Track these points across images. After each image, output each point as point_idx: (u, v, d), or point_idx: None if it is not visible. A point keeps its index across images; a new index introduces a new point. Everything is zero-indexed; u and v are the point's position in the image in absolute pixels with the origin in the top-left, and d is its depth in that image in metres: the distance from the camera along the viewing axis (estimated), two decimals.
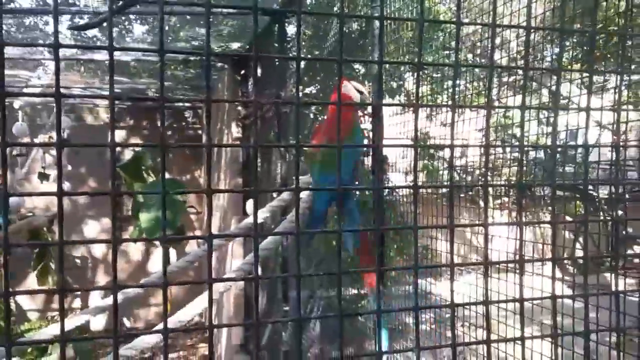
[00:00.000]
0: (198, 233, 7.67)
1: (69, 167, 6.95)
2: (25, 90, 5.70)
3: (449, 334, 3.22)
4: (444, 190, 3.83)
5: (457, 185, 3.16)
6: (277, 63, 3.94)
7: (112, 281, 0.54)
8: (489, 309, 0.65)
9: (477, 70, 3.39)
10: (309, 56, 4.64)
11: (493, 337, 0.73)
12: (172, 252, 7.44)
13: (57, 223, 0.55)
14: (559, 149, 2.86)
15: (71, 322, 2.61)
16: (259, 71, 4.11)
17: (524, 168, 3.45)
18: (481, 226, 0.64)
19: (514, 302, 0.69)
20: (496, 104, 4.03)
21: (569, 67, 3.34)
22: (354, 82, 2.37)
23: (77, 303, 7.61)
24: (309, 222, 2.43)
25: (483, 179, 3.32)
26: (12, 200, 5.92)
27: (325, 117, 2.58)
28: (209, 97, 0.55)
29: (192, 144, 7.40)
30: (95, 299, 7.11)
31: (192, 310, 2.10)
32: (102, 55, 4.70)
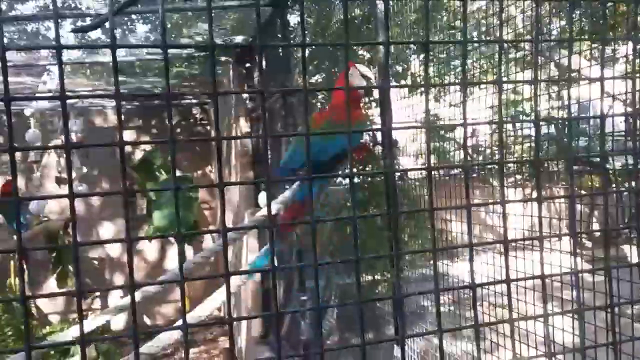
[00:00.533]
0: (212, 228, 7.70)
1: (84, 170, 7.00)
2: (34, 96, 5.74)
3: (467, 314, 3.22)
4: (455, 171, 3.80)
5: (472, 164, 3.14)
6: (281, 54, 3.93)
7: (129, 280, 0.54)
8: (510, 288, 0.64)
9: (483, 48, 3.35)
10: (314, 43, 4.62)
11: (514, 315, 0.72)
12: (188, 249, 7.48)
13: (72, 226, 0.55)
14: (571, 123, 2.83)
15: (92, 323, 2.64)
16: (263, 63, 4.10)
17: (533, 145, 3.42)
18: (498, 204, 0.63)
19: (534, 279, 0.69)
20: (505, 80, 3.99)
21: (579, 40, 3.29)
22: (361, 65, 2.32)
23: (97, 304, 7.69)
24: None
25: (498, 157, 3.30)
26: (32, 206, 5.98)
27: (329, 105, 2.54)
28: (215, 89, 0.54)
29: (201, 138, 7.42)
30: (115, 298, 7.19)
31: (211, 304, 2.11)
32: (107, 57, 4.71)
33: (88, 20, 4.25)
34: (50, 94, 5.07)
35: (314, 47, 4.68)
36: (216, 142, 0.53)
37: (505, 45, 3.80)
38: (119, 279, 7.74)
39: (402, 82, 4.86)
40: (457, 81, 3.65)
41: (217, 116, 0.55)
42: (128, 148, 7.05)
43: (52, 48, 0.47)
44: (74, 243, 0.50)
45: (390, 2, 3.04)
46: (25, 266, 6.91)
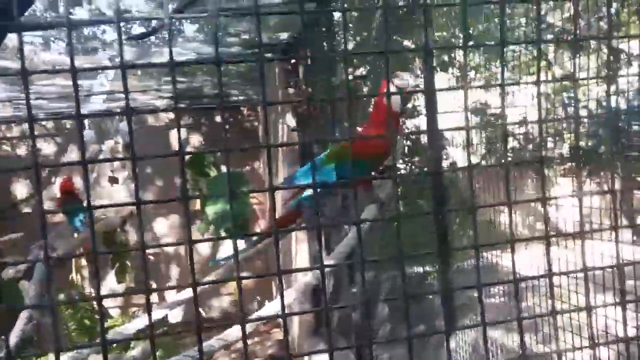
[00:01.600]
0: (262, 222, 7.81)
1: (136, 169, 7.22)
2: (89, 98, 5.96)
3: (523, 305, 3.18)
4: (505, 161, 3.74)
5: (512, 162, 3.09)
6: (325, 49, 3.96)
7: (190, 279, 0.59)
8: (552, 281, 0.66)
9: (533, 35, 3.28)
10: (352, 42, 4.60)
11: (565, 307, 0.73)
12: (240, 243, 7.62)
13: (129, 224, 0.60)
14: (625, 110, 2.75)
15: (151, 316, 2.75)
16: (308, 59, 4.14)
17: (588, 131, 3.33)
18: (539, 201, 0.64)
19: (576, 272, 0.70)
20: (555, 68, 3.89)
21: (630, 21, 3.19)
22: (399, 76, 2.27)
23: (154, 298, 7.95)
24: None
25: (544, 146, 3.25)
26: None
27: (365, 124, 2.49)
28: (265, 99, 0.58)
29: (252, 145, 7.52)
30: (171, 292, 7.39)
31: (272, 308, 2.17)
32: (157, 59, 4.84)
33: (137, 24, 4.40)
34: (100, 103, 5.23)
35: (357, 39, 4.69)
36: (267, 149, 0.56)
37: (557, 29, 3.71)
38: (174, 272, 7.97)
39: (450, 70, 4.80)
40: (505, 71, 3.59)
41: (266, 125, 0.58)
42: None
43: (117, 68, 0.52)
44: (142, 246, 0.55)
45: None
46: (86, 263, 7.22)
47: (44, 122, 7.43)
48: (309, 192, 2.48)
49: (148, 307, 0.57)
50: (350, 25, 4.49)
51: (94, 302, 6.95)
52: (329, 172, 2.36)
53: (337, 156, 2.38)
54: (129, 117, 0.55)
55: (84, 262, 7.21)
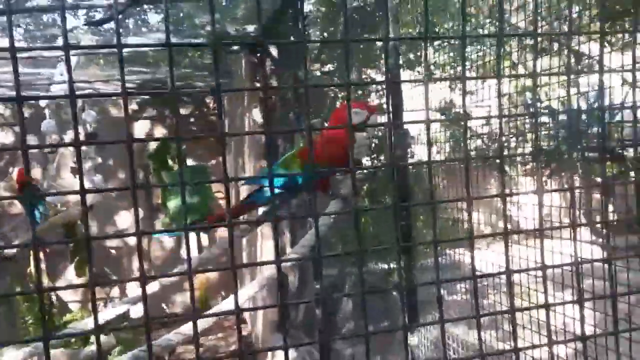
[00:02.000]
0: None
1: (99, 160, 7.08)
2: (50, 87, 5.79)
3: (485, 302, 3.23)
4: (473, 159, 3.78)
5: (472, 157, 3.12)
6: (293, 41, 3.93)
7: (140, 272, 0.56)
8: (511, 279, 0.65)
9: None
10: (319, 37, 4.59)
11: (525, 304, 0.73)
12: (204, 237, 7.55)
13: (90, 216, 0.57)
14: (585, 111, 2.80)
15: (112, 312, 2.69)
16: (275, 52, 4.11)
17: (550, 132, 3.39)
18: (499, 197, 0.64)
19: (536, 270, 0.69)
20: (520, 67, 3.94)
21: (588, 26, 3.25)
22: (357, 104, 2.30)
23: (115, 292, 7.80)
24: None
25: (506, 145, 3.29)
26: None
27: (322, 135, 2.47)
28: (219, 87, 0.56)
29: (206, 135, 7.44)
30: (134, 287, 7.29)
31: (230, 303, 2.13)
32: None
33: (100, 11, 4.29)
34: (62, 93, 5.08)
35: (326, 35, 4.67)
36: (221, 139, 0.54)
37: (520, 30, 3.76)
38: (137, 267, 7.85)
39: (416, 68, 4.83)
40: (470, 70, 3.63)
41: (220, 112, 0.56)
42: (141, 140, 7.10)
43: (59, 49, 0.49)
44: (87, 236, 0.52)
45: None
46: (43, 256, 7.04)
47: (1, 111, 7.22)
48: (267, 193, 2.48)
49: (92, 299, 0.54)
50: (318, 20, 4.48)
51: (52, 295, 6.79)
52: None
53: (289, 164, 2.40)
54: (72, 102, 0.52)
55: (42, 255, 7.03)
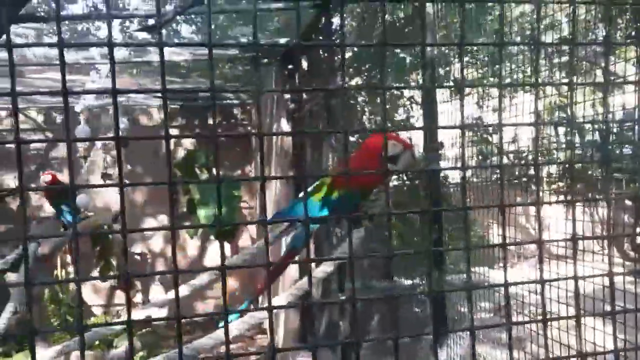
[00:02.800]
0: (251, 227, 7.78)
1: (128, 167, 7.20)
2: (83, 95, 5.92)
3: (512, 319, 3.18)
4: (496, 177, 3.75)
5: (507, 165, 3.09)
6: (323, 55, 3.96)
7: (173, 267, 0.57)
8: (544, 288, 0.64)
9: (528, 54, 3.30)
10: (354, 50, 4.62)
11: (554, 324, 0.72)
12: (226, 247, 7.59)
13: (119, 221, 0.58)
14: (614, 130, 2.77)
15: (135, 316, 2.73)
16: (305, 64, 4.14)
17: (578, 151, 3.35)
18: (532, 205, 0.63)
19: (567, 279, 0.68)
20: (548, 86, 3.91)
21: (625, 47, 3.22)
22: (394, 137, 2.23)
23: (138, 298, 7.87)
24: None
25: (532, 163, 3.26)
26: (79, 200, 6.15)
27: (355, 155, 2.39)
28: (260, 87, 0.57)
29: (243, 133, 7.52)
30: (156, 294, 7.37)
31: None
32: (153, 57, 4.82)
33: (135, 22, 4.39)
34: (103, 89, 5.19)
35: (355, 50, 4.70)
36: (259, 137, 0.55)
37: (550, 49, 3.74)
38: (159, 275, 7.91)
39: (445, 84, 4.81)
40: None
41: (259, 111, 0.57)
42: (171, 147, 7.18)
43: (104, 45, 0.51)
44: (123, 228, 0.53)
45: (433, 9, 3.02)
46: (71, 259, 7.15)
47: (34, 116, 7.39)
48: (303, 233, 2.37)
49: (127, 290, 0.55)
50: (349, 35, 4.51)
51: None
52: (316, 206, 2.29)
53: (324, 194, 2.32)
54: (114, 96, 0.53)
55: (69, 258, 7.15)
